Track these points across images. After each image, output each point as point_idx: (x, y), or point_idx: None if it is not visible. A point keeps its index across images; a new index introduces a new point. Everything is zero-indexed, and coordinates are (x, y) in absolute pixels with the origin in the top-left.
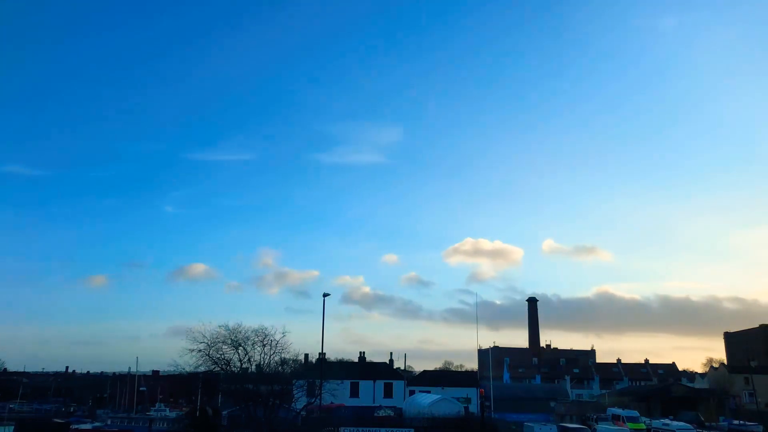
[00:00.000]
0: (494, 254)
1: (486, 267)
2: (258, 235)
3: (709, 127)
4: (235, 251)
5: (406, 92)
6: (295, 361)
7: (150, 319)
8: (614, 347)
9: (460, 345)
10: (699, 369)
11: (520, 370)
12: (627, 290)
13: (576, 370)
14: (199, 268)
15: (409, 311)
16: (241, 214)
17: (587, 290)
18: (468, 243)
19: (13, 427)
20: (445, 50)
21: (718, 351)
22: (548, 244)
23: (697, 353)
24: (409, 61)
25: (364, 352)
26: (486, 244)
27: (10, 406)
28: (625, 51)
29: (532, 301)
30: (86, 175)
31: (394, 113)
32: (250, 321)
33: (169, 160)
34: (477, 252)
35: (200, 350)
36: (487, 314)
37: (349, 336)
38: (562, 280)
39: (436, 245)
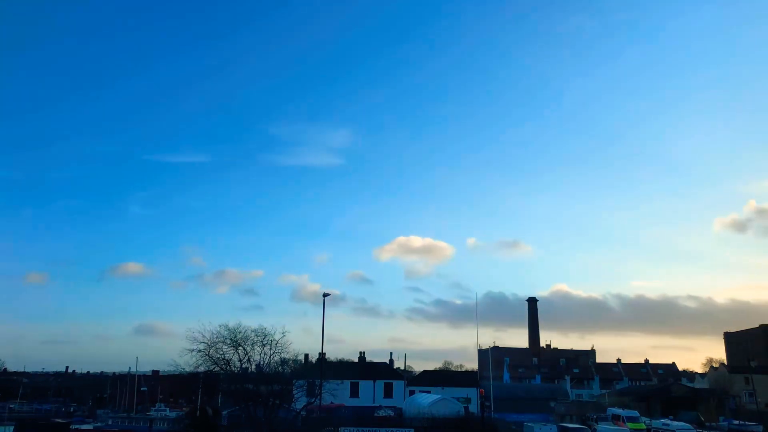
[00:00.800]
0: (426, 252)
1: (421, 265)
2: (201, 234)
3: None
4: (179, 251)
5: (354, 97)
6: (295, 361)
7: (112, 318)
8: (584, 346)
9: (435, 344)
10: (699, 369)
11: (520, 370)
12: (583, 289)
13: (576, 370)
14: (136, 267)
15: (369, 310)
16: (191, 215)
17: (544, 289)
18: (401, 241)
19: (13, 427)
20: (383, 58)
21: (693, 349)
22: (474, 241)
23: (669, 352)
24: (353, 67)
25: (364, 352)
26: (417, 241)
27: (10, 406)
28: (552, 49)
29: (532, 301)
30: (48, 177)
31: (341, 117)
32: (204, 318)
33: (128, 161)
34: (410, 250)
35: (200, 350)
36: (449, 313)
37: (313, 335)
38: (510, 279)
39: (368, 243)
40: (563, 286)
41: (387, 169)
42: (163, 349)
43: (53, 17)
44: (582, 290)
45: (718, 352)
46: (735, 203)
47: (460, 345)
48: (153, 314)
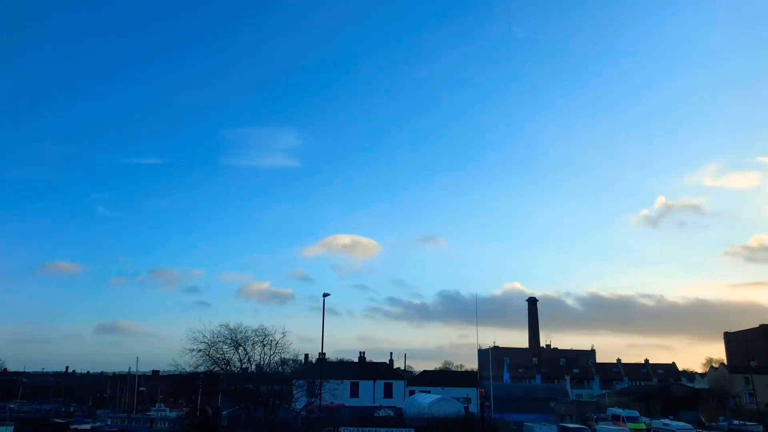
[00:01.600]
0: (354, 249)
1: (353, 262)
2: (144, 232)
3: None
4: (119, 252)
5: (301, 100)
6: (295, 361)
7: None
8: (553, 345)
9: (409, 343)
10: (699, 369)
11: (520, 370)
12: (538, 288)
13: (576, 370)
14: (66, 265)
15: (327, 309)
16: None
17: (497, 287)
18: (330, 239)
19: (13, 427)
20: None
21: (672, 348)
22: (396, 238)
23: (646, 351)
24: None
25: (364, 352)
26: (345, 238)
27: (10, 406)
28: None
29: (532, 301)
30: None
31: (288, 122)
32: (156, 315)
33: (87, 163)
34: (339, 247)
35: (200, 350)
36: (411, 312)
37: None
38: (451, 277)
39: (295, 242)
40: (516, 285)
41: (325, 172)
42: (126, 347)
43: (20, 21)
44: (537, 289)
45: (698, 350)
46: (645, 200)
47: (435, 344)
48: (108, 313)
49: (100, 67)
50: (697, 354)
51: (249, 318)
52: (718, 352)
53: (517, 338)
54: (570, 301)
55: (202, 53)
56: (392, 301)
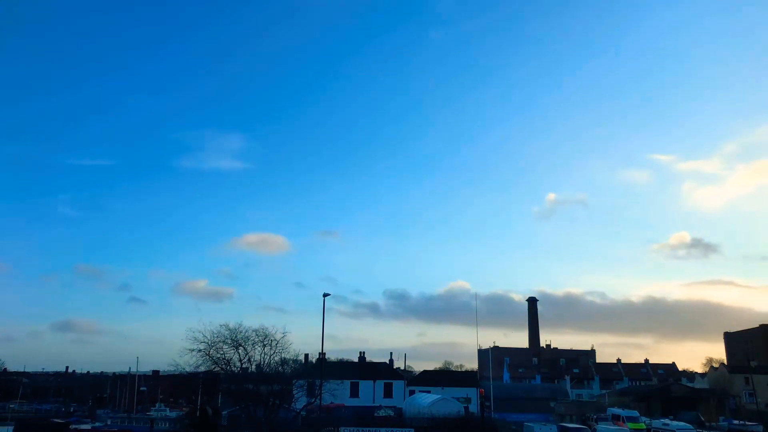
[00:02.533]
0: (265, 245)
1: (271, 259)
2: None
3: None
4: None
5: (247, 105)
6: (295, 361)
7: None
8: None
9: (382, 341)
10: (699, 369)
11: (520, 370)
12: (483, 287)
13: (576, 370)
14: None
15: (278, 309)
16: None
17: (442, 286)
18: (245, 237)
19: (13, 427)
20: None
21: (643, 347)
22: (309, 236)
23: (613, 349)
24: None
25: (364, 352)
26: (254, 237)
27: (10, 406)
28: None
29: (532, 301)
30: None
31: (234, 124)
32: (91, 311)
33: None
34: (252, 245)
35: (200, 350)
36: (364, 311)
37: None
38: (397, 276)
39: (207, 241)
40: (460, 283)
41: (263, 173)
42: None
43: None
44: (483, 288)
45: (666, 348)
46: (538, 196)
47: (396, 343)
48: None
49: (54, 66)
50: (666, 352)
51: (191, 315)
52: (692, 349)
53: (466, 334)
54: (519, 298)
55: (161, 57)
56: (338, 299)
